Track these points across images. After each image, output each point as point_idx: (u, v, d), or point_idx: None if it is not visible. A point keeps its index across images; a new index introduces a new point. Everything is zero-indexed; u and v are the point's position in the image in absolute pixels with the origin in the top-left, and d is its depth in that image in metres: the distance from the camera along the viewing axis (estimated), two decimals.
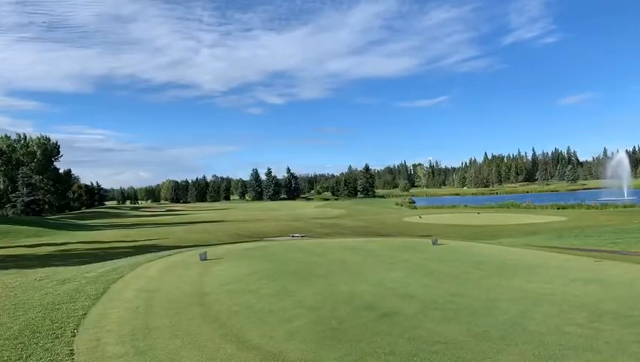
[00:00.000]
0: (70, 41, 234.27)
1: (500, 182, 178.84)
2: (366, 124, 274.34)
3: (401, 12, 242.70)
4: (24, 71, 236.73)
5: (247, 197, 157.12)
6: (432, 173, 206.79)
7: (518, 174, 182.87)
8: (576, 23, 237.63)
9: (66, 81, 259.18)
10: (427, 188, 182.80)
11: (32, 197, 63.33)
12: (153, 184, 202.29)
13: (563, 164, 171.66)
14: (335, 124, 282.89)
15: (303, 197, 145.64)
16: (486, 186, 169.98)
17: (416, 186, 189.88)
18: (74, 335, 4.45)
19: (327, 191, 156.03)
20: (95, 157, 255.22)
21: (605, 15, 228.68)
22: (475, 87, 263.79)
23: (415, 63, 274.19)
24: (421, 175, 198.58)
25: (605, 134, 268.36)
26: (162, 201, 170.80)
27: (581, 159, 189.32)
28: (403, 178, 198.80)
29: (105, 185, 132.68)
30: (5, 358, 3.86)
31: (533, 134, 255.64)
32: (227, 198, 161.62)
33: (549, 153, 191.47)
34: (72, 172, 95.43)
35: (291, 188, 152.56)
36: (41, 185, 68.16)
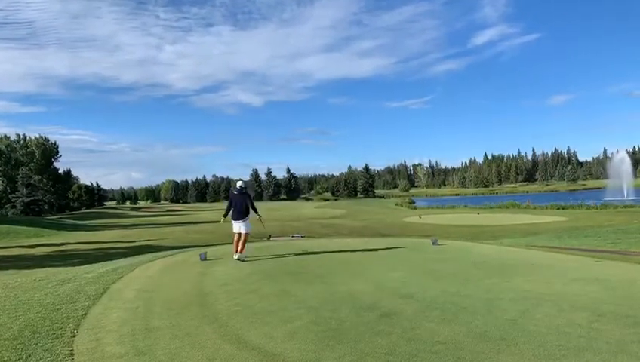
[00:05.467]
0: (20, 39, 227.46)
1: (499, 182, 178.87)
2: (351, 124, 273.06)
3: (368, 7, 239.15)
4: None
5: None
6: (432, 173, 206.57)
7: (518, 174, 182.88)
8: (551, 19, 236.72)
9: (27, 80, 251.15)
10: (427, 188, 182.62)
11: (32, 198, 63.28)
12: (146, 184, 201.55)
13: (563, 165, 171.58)
14: (318, 124, 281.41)
15: (302, 198, 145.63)
16: (486, 186, 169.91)
17: (416, 186, 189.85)
18: (74, 336, 4.44)
19: (327, 191, 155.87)
20: (79, 158, 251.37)
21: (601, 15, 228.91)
22: (457, 86, 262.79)
23: (392, 62, 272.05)
24: (421, 175, 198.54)
25: (605, 134, 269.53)
26: (162, 201, 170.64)
27: (581, 159, 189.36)
28: (403, 178, 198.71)
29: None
30: (5, 359, 3.86)
31: (521, 134, 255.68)
32: (227, 198, 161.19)
33: (549, 153, 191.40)
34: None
35: (291, 188, 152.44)
36: (41, 185, 68.14)
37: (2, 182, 66.51)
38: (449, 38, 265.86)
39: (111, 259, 12.07)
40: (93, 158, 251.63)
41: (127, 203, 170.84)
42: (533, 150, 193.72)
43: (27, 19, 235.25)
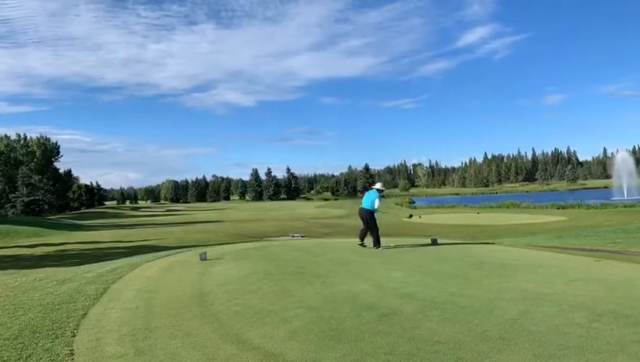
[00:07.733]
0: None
1: (499, 181, 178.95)
2: (345, 124, 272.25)
3: (354, 3, 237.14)
4: None
5: (247, 198, 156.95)
6: (432, 172, 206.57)
7: (518, 174, 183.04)
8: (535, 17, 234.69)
9: (11, 80, 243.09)
10: (427, 188, 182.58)
11: (32, 198, 63.27)
12: (145, 185, 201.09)
13: (563, 164, 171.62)
14: (311, 124, 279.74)
15: (302, 197, 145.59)
16: (486, 186, 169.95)
17: (415, 186, 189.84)
18: (74, 336, 4.45)
19: (327, 191, 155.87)
20: (72, 158, 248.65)
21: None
22: (450, 86, 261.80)
23: (381, 61, 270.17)
24: (421, 175, 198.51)
25: (603, 134, 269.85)
26: (162, 201, 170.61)
27: (581, 159, 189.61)
28: (403, 178, 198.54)
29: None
30: (5, 358, 3.86)
31: (521, 134, 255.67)
32: (227, 198, 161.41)
33: (549, 153, 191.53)
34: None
35: (291, 188, 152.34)
36: (41, 185, 68.08)
37: (2, 181, 66.51)
38: (438, 37, 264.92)
39: (110, 259, 12.07)
40: (86, 158, 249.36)
41: (127, 203, 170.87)
42: (533, 150, 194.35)
43: (5, 17, 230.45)
